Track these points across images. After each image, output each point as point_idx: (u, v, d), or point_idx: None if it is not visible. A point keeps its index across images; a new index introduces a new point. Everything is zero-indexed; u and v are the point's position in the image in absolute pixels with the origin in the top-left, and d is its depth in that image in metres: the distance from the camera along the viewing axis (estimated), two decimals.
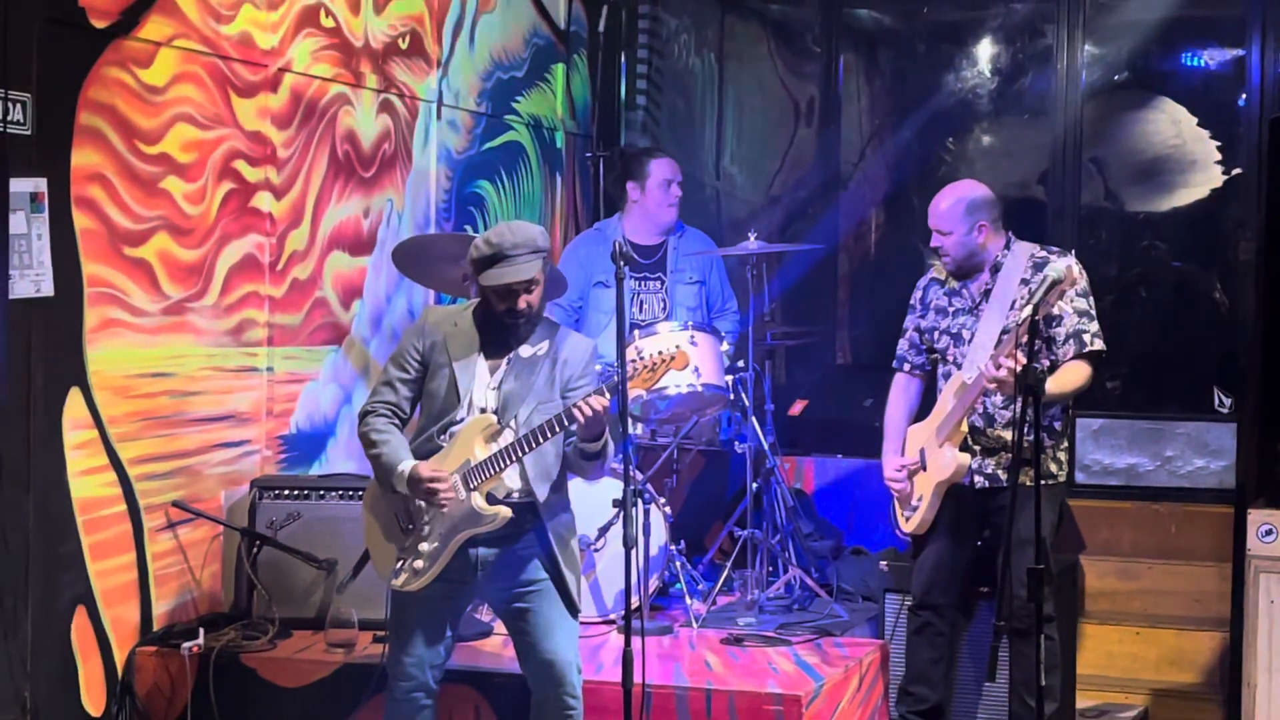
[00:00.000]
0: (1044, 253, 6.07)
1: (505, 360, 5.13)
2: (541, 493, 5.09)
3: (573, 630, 5.19)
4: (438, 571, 5.05)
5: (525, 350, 5.13)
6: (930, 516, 6.09)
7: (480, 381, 5.11)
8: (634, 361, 5.03)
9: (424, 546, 5.06)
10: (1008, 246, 6.11)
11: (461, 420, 5.09)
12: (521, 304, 5.05)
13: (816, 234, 8.65)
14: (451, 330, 5.16)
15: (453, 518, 5.04)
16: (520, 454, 5.00)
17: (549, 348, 5.15)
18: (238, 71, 6.14)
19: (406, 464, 5.03)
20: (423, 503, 5.05)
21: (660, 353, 5.03)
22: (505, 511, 5.02)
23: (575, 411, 4.91)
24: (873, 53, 9.27)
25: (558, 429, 4.98)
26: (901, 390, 6.35)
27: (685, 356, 5.09)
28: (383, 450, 5.08)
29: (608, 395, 4.94)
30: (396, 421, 5.16)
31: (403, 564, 5.08)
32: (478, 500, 5.03)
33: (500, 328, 5.12)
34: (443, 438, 5.10)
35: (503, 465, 5.01)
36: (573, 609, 5.16)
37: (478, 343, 5.14)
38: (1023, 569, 5.30)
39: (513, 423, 5.06)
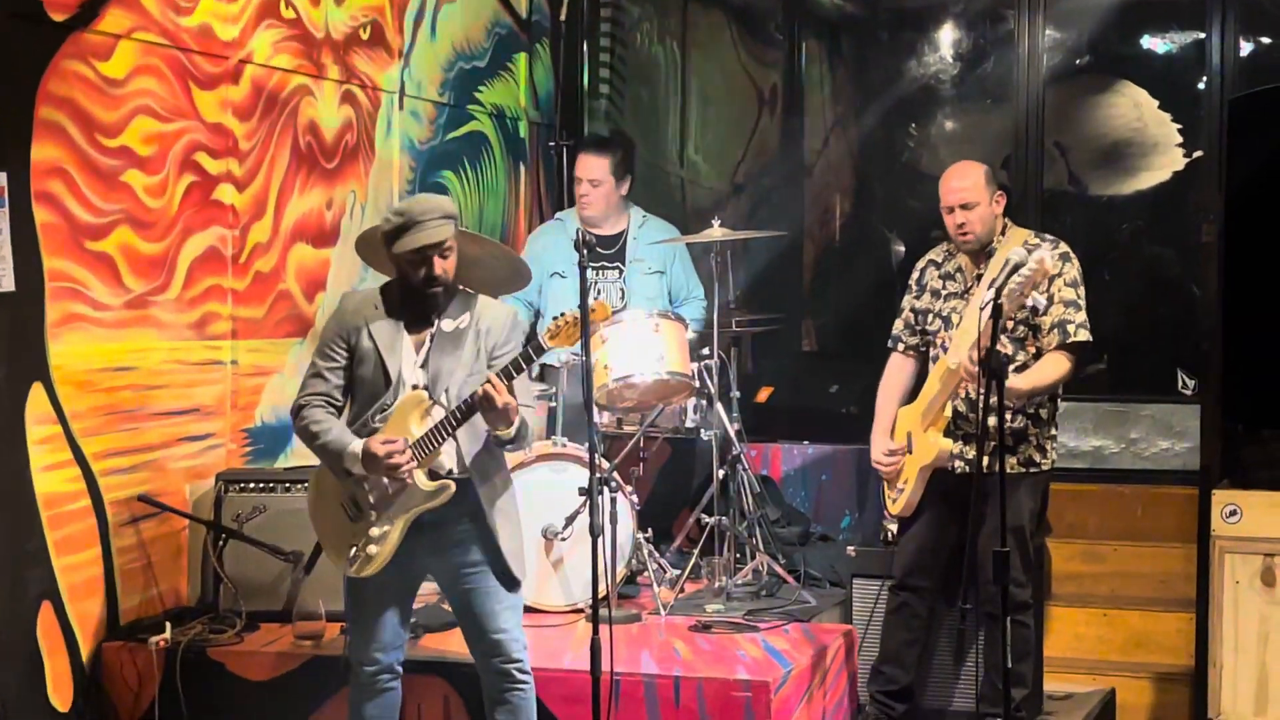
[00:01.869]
0: (1036, 240, 6.00)
1: (429, 336, 5.13)
2: (479, 468, 5.10)
3: (516, 606, 5.20)
4: (391, 553, 5.05)
5: (447, 324, 5.14)
6: (915, 500, 6.09)
7: (407, 360, 5.12)
8: (556, 319, 5.02)
9: (374, 531, 5.06)
10: (1003, 232, 6.09)
11: (394, 401, 5.09)
12: (438, 269, 5.04)
13: (781, 221, 8.65)
14: (372, 313, 5.15)
15: (398, 498, 5.04)
16: (455, 425, 5.00)
17: (470, 319, 5.16)
18: (198, 64, 6.12)
19: (356, 443, 5.02)
20: (384, 479, 5.02)
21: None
22: (450, 486, 5.03)
23: (483, 390, 4.88)
24: (835, 40, 9.28)
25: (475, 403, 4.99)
26: (895, 371, 6.33)
27: (605, 307, 5.08)
28: (328, 438, 5.06)
29: (502, 381, 4.89)
30: (332, 410, 5.14)
31: (356, 551, 5.07)
32: (420, 477, 5.04)
33: (419, 301, 5.11)
34: (377, 420, 5.09)
35: (441, 440, 5.02)
36: (511, 584, 5.16)
37: (400, 322, 5.14)
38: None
39: (444, 397, 5.07)
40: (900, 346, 6.33)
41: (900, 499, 6.13)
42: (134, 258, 5.85)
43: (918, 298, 6.24)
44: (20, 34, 5.34)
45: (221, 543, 6.04)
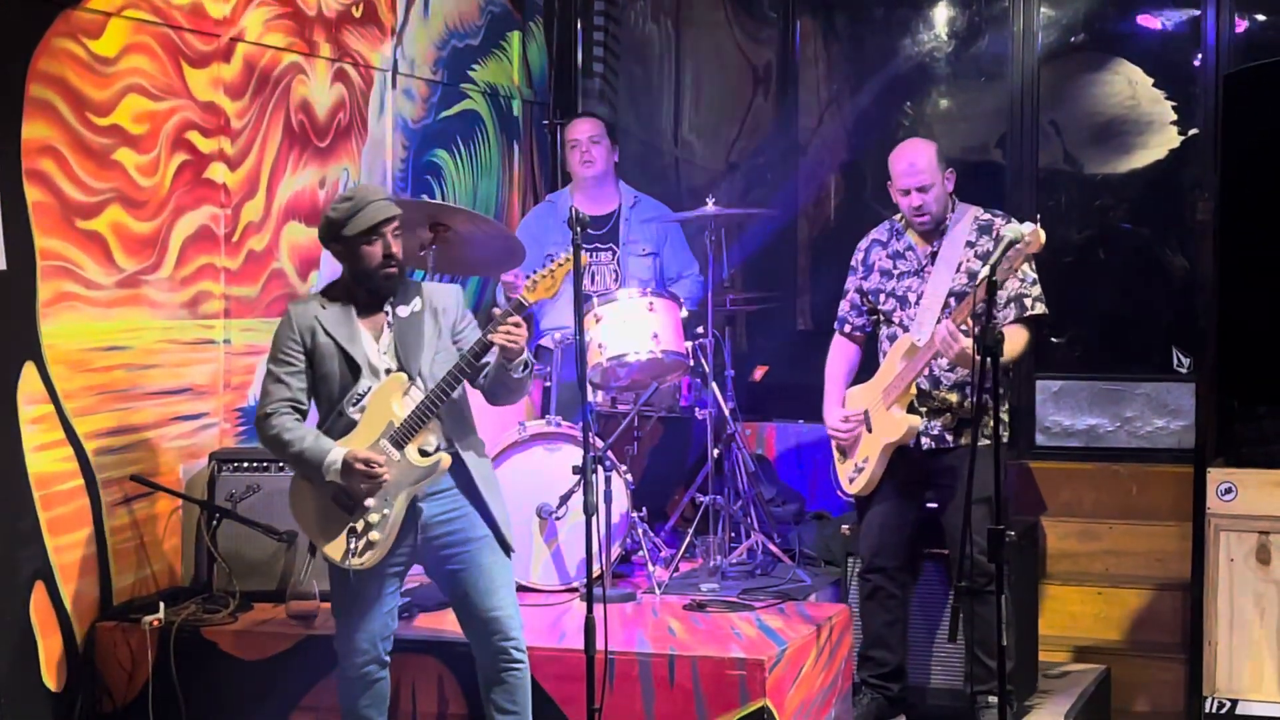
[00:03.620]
0: (988, 215, 6.11)
1: (385, 324, 5.14)
2: (460, 437, 5.12)
3: (510, 584, 5.21)
4: (393, 537, 5.05)
5: (402, 310, 5.15)
6: (876, 478, 6.11)
7: (371, 347, 5.12)
8: (529, 276, 5.06)
9: (374, 517, 5.04)
10: (952, 209, 6.12)
11: (368, 389, 5.08)
12: (394, 247, 5.06)
13: (776, 200, 8.64)
14: (322, 312, 5.15)
15: (394, 481, 5.03)
16: (440, 401, 5.01)
17: (422, 303, 5.18)
18: (189, 41, 6.09)
19: (335, 454, 5.00)
20: (363, 485, 5.01)
21: (552, 259, 5.07)
22: (445, 459, 5.05)
23: (495, 338, 4.94)
24: (830, 18, 9.25)
25: (468, 370, 5.01)
26: (840, 351, 6.38)
27: (569, 259, 5.09)
28: (301, 447, 5.04)
29: (516, 315, 4.97)
30: (298, 416, 5.12)
31: (355, 542, 5.04)
32: (413, 455, 5.03)
33: (373, 289, 5.12)
34: (354, 410, 5.09)
35: (427, 418, 5.02)
36: (506, 549, 5.18)
37: (353, 314, 5.14)
38: (979, 528, 5.32)
39: (418, 377, 5.07)
40: (846, 328, 6.36)
41: (860, 478, 6.15)
42: (126, 237, 5.83)
43: (864, 278, 6.27)
44: (10, 11, 5.32)
45: (215, 522, 6.02)
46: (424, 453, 5.05)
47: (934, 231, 6.12)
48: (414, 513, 5.09)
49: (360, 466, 4.97)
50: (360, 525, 5.05)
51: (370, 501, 5.02)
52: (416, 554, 5.20)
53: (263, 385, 5.19)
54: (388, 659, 5.22)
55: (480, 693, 5.22)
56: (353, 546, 5.04)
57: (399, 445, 5.02)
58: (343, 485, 5.01)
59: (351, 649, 5.15)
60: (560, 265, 5.04)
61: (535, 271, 5.08)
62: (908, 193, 6.08)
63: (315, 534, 5.18)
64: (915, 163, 6.08)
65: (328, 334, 5.10)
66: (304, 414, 5.15)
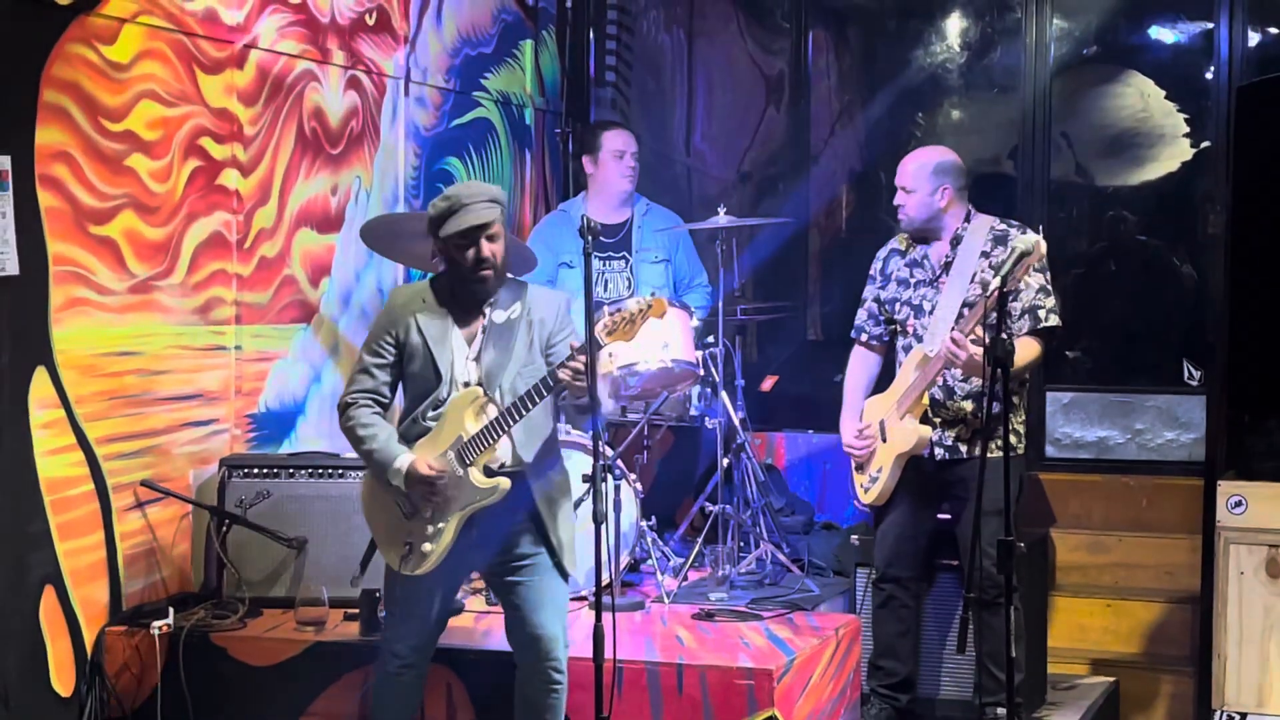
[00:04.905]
0: (1003, 226, 6.12)
1: (480, 329, 5.08)
2: (529, 457, 5.08)
3: (563, 605, 5.18)
4: (445, 551, 5.03)
5: (499, 315, 5.09)
6: (890, 488, 6.11)
7: (459, 355, 5.07)
8: (614, 314, 4.93)
9: (429, 529, 5.03)
10: (968, 219, 6.14)
11: (446, 398, 5.05)
12: (486, 251, 5.00)
13: (787, 210, 8.64)
14: (421, 307, 5.10)
15: (454, 496, 5.01)
16: (511, 423, 4.96)
17: (521, 309, 5.11)
18: (203, 48, 6.11)
19: (402, 460, 4.98)
20: (424, 499, 5.01)
21: (638, 302, 4.94)
22: (505, 483, 5.00)
23: (560, 373, 4.85)
24: (842, 29, 9.26)
25: (545, 393, 4.93)
26: (860, 361, 6.39)
27: (663, 303, 5.01)
28: (373, 446, 5.02)
29: (583, 353, 4.85)
30: (379, 409, 5.10)
31: (410, 550, 5.04)
32: (476, 475, 5.00)
33: (469, 290, 5.07)
34: (430, 417, 5.06)
35: (495, 437, 4.98)
36: (564, 574, 5.16)
37: (449, 315, 5.09)
38: (990, 540, 5.32)
39: (498, 393, 5.03)
40: (864, 337, 6.37)
41: (875, 488, 6.15)
42: (138, 242, 5.84)
43: (882, 287, 6.29)
44: (25, 17, 5.33)
45: (225, 528, 6.03)
46: (489, 470, 5.01)
47: (922, 236, 6.15)
48: (471, 526, 5.06)
49: (422, 480, 4.96)
50: (416, 535, 5.04)
51: (430, 512, 5.02)
52: (473, 564, 5.21)
53: (351, 371, 5.19)
54: (426, 667, 5.22)
55: (515, 705, 5.20)
56: (406, 554, 5.04)
57: (464, 462, 4.99)
58: (404, 492, 5.01)
59: (396, 650, 5.16)
60: (642, 311, 4.91)
61: (618, 311, 4.93)
62: (897, 190, 6.14)
63: (378, 534, 5.19)
64: (905, 165, 6.18)
65: (420, 333, 5.07)
66: (386, 407, 5.13)
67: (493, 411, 5.01)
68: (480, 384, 5.05)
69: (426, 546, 5.02)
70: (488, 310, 5.09)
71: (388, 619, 5.23)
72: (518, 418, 4.96)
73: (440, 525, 5.02)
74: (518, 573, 5.10)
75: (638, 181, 7.46)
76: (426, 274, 6.14)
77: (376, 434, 5.04)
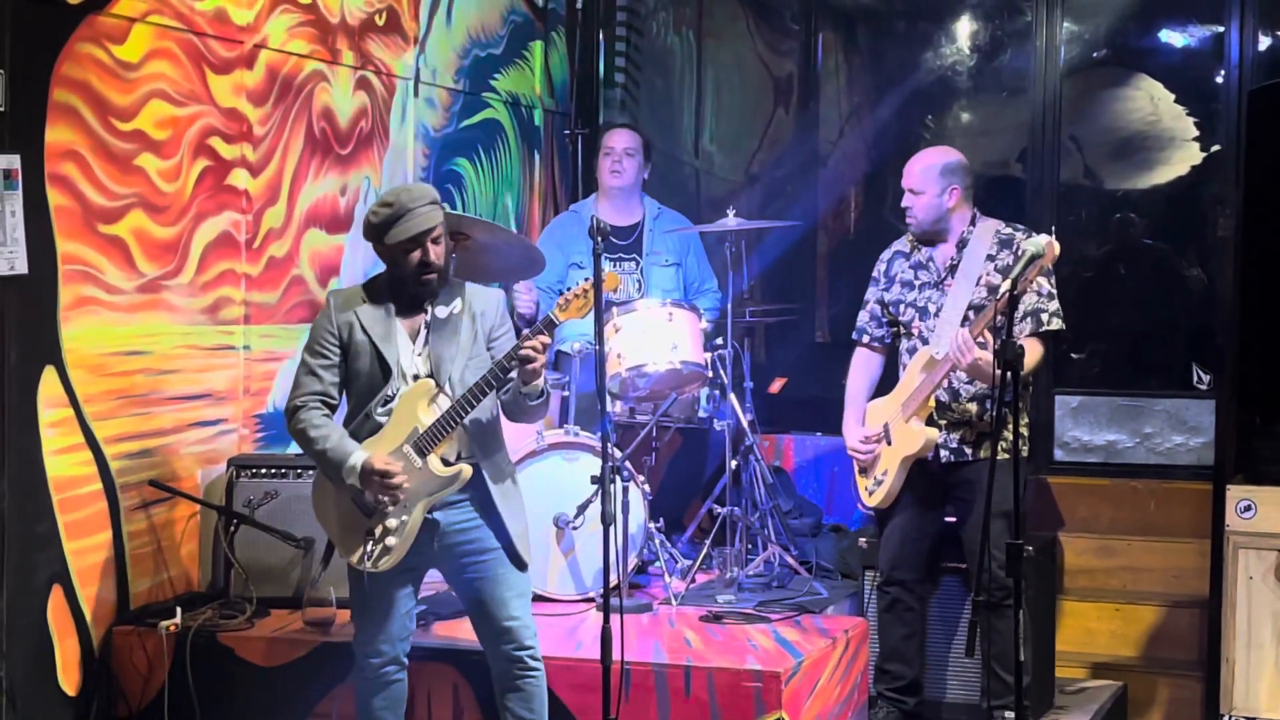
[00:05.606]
0: (1009, 229, 6.11)
1: (423, 323, 5.12)
2: (483, 450, 5.10)
3: (525, 593, 5.20)
4: (409, 544, 5.04)
5: (441, 310, 5.12)
6: (895, 491, 6.11)
7: (405, 349, 5.10)
8: (563, 294, 5.02)
9: (391, 522, 5.04)
10: (973, 222, 6.13)
11: (396, 392, 5.07)
12: (432, 255, 5.03)
13: (796, 212, 8.65)
14: (361, 306, 5.13)
15: (414, 488, 5.02)
16: (465, 411, 4.98)
17: (462, 304, 5.15)
18: (213, 48, 6.10)
19: (356, 457, 4.99)
20: (380, 495, 5.01)
21: (588, 279, 5.00)
22: (467, 470, 5.03)
23: (524, 352, 4.90)
24: (851, 30, 9.26)
25: (500, 377, 4.97)
26: (863, 364, 6.38)
27: (613, 277, 5.07)
28: (326, 446, 5.03)
29: (546, 333, 4.94)
30: (327, 411, 5.11)
31: (372, 544, 5.04)
32: (435, 464, 5.02)
33: (412, 292, 5.10)
34: (381, 412, 5.08)
35: (452, 427, 5.00)
36: (520, 565, 5.16)
37: (392, 312, 5.12)
38: (996, 542, 5.32)
39: (448, 384, 5.06)
40: (865, 339, 6.37)
41: (879, 491, 6.15)
42: (147, 242, 5.84)
43: (886, 289, 6.28)
44: (35, 16, 5.33)
45: (233, 528, 6.03)
46: (446, 462, 5.05)
47: (929, 238, 6.14)
48: (431, 520, 5.09)
49: (378, 475, 4.97)
50: (378, 530, 5.04)
51: (389, 507, 5.02)
52: (434, 559, 5.20)
53: (296, 374, 5.18)
54: (405, 660, 5.22)
55: (495, 700, 5.22)
56: (369, 550, 5.04)
57: (422, 453, 5.01)
58: (360, 489, 5.02)
59: (368, 650, 5.16)
60: (591, 285, 5.00)
61: (568, 289, 5.04)
62: (904, 192, 6.14)
63: (334, 533, 5.20)
64: (912, 166, 6.18)
65: (364, 331, 5.09)
66: (334, 409, 5.14)
67: (445, 403, 5.03)
68: (430, 376, 5.07)
69: (391, 540, 5.03)
70: (429, 306, 5.13)
71: (359, 623, 5.20)
72: (473, 405, 4.99)
73: (404, 518, 5.03)
74: (478, 568, 5.12)
75: (643, 183, 7.45)
76: None
77: (329, 434, 5.05)
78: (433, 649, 5.58)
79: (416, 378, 5.08)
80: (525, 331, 5.03)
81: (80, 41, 5.51)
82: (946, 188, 6.07)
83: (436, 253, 5.05)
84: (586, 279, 5.04)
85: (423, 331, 5.12)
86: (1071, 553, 7.72)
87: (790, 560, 6.72)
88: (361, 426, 5.10)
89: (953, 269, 6.10)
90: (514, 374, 5.00)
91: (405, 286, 5.10)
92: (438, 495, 5.04)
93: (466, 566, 5.14)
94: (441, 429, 5.01)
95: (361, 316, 5.11)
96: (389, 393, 5.08)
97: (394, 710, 5.24)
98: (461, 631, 5.66)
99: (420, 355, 5.11)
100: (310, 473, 6.08)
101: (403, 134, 7.26)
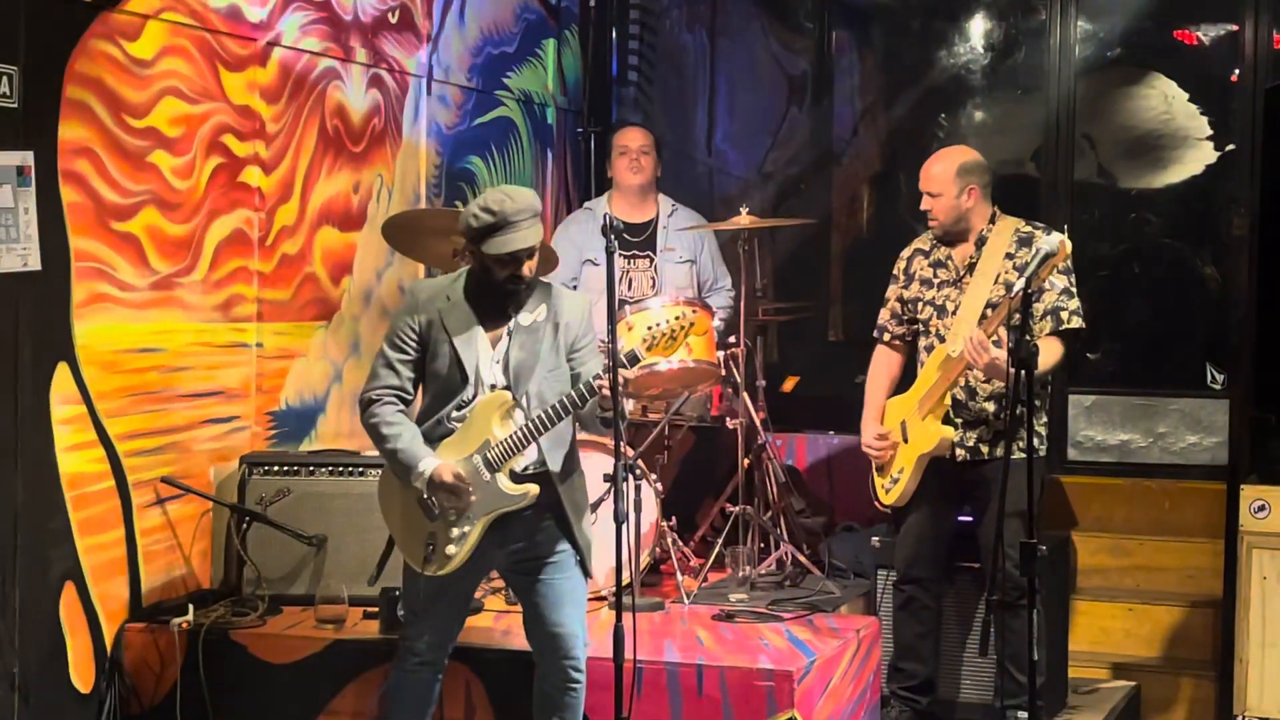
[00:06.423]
0: (1029, 228, 6.10)
1: (505, 330, 5.01)
2: (556, 463, 5.04)
3: (582, 602, 5.15)
4: (469, 554, 4.98)
5: (525, 318, 5.02)
6: (912, 489, 6.09)
7: (485, 356, 5.00)
8: (652, 329, 4.93)
9: (454, 531, 4.97)
10: (993, 220, 6.12)
11: (472, 399, 4.99)
12: (525, 270, 4.94)
13: (809, 210, 8.63)
14: (445, 305, 5.03)
15: (480, 501, 4.96)
16: (540, 431, 4.91)
17: (547, 311, 5.04)
18: (226, 45, 6.11)
19: (426, 464, 4.91)
20: (446, 504, 4.97)
21: (679, 318, 4.92)
22: (534, 490, 4.95)
23: (598, 385, 4.81)
24: (865, 28, 9.24)
25: (580, 404, 4.89)
26: (882, 361, 6.37)
27: (705, 320, 4.99)
28: (398, 445, 4.95)
29: (630, 369, 4.85)
30: (402, 407, 5.02)
31: (432, 550, 4.98)
32: (504, 481, 4.96)
33: (497, 296, 4.99)
34: (455, 419, 5.01)
35: (524, 444, 4.93)
36: (586, 573, 5.14)
37: (474, 315, 5.01)
38: (1012, 542, 5.30)
39: (524, 397, 4.98)
40: (886, 336, 6.36)
41: (896, 489, 6.13)
42: (160, 239, 5.84)
43: (905, 287, 6.27)
44: (49, 13, 5.34)
45: (245, 525, 6.03)
46: (515, 475, 4.98)
47: (966, 242, 6.12)
48: (495, 528, 5.01)
49: (447, 487, 4.91)
50: (439, 536, 4.99)
51: (454, 514, 4.97)
52: (493, 564, 5.18)
53: (372, 365, 5.09)
54: (443, 665, 5.17)
55: (534, 704, 5.17)
56: (428, 554, 4.99)
57: (491, 467, 4.94)
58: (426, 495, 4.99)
59: (416, 649, 5.12)
60: (684, 328, 4.91)
61: (656, 326, 4.93)
62: (923, 195, 6.14)
63: (396, 530, 5.14)
64: (929, 169, 6.17)
65: (445, 331, 5.00)
66: (409, 404, 5.06)
67: (519, 415, 4.97)
68: (507, 387, 5.00)
69: (450, 549, 4.97)
70: (513, 312, 5.03)
71: (407, 617, 5.19)
72: (549, 426, 4.92)
73: (466, 529, 4.97)
74: (542, 570, 5.07)
75: (658, 180, 7.45)
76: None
77: (401, 433, 4.97)
78: None
79: (494, 387, 5.00)
80: (606, 362, 4.84)
81: (94, 38, 5.52)
82: (964, 188, 6.06)
83: (530, 267, 4.95)
84: (679, 316, 4.95)
85: (504, 339, 5.01)
86: (1085, 552, 7.71)
87: (802, 559, 6.72)
88: (434, 430, 5.02)
89: (971, 267, 6.08)
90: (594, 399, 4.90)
91: (491, 292, 5.00)
92: (501, 511, 4.97)
93: (527, 569, 5.09)
94: (514, 446, 4.93)
95: (444, 316, 5.01)
96: (464, 398, 4.99)
97: (420, 709, 5.19)
98: (474, 631, 5.66)
99: (499, 363, 5.00)
100: (323, 470, 6.12)
101: (415, 131, 7.26)
